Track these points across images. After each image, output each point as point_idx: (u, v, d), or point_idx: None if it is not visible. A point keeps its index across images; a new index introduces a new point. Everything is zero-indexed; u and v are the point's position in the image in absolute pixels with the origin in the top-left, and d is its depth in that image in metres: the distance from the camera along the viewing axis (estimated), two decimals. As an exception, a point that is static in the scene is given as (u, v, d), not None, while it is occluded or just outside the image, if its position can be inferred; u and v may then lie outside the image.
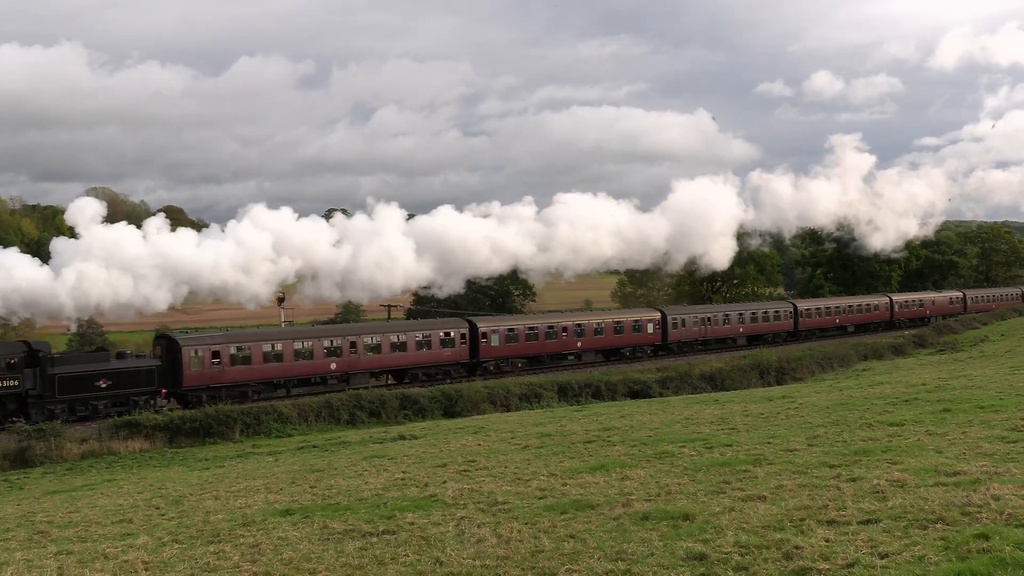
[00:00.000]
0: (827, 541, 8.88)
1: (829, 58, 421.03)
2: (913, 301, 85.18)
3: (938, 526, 9.08)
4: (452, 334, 49.34)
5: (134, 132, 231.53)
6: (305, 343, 44.02)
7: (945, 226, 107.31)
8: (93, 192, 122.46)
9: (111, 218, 46.29)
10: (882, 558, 8.18)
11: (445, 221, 53.51)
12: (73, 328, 57.15)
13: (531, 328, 53.20)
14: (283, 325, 54.59)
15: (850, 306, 77.89)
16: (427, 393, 39.75)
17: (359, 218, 52.05)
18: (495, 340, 50.76)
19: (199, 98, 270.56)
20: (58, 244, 41.62)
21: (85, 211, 42.32)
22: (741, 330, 66.12)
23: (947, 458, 12.73)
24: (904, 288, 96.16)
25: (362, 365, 45.88)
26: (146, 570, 10.24)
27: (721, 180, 66.27)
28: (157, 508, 15.71)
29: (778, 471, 12.87)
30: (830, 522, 9.60)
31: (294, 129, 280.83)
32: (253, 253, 44.65)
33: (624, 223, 59.62)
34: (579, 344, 55.03)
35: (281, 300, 53.86)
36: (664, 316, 60.87)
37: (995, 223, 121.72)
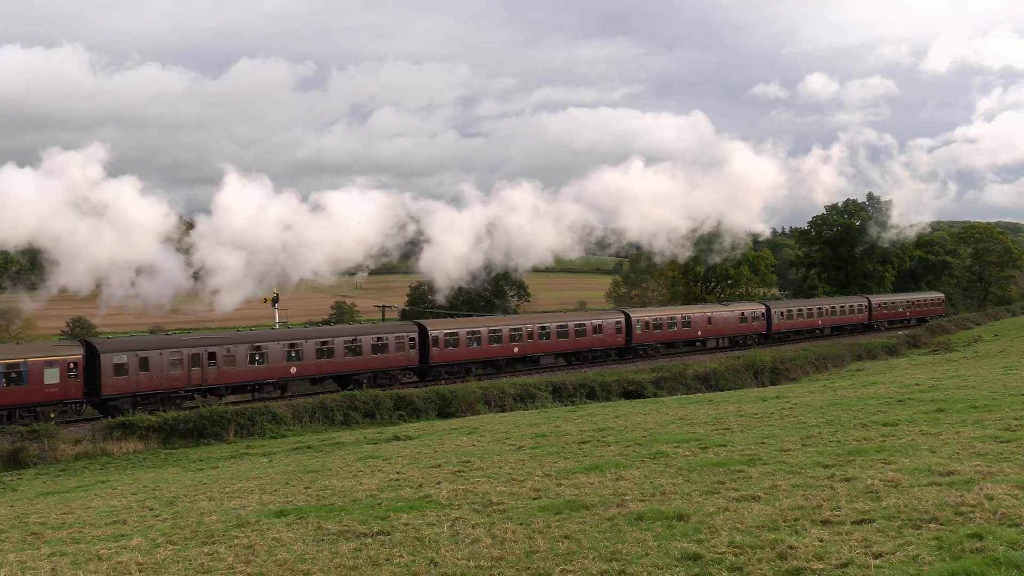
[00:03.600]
0: (821, 541, 8.89)
1: (823, 60, 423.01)
2: (673, 319, 59.69)
3: (932, 526, 9.10)
4: None
5: (132, 133, 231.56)
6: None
7: (938, 226, 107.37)
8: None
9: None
10: (876, 558, 8.20)
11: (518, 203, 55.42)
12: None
13: None
14: (276, 326, 54.44)
15: (529, 329, 51.96)
16: (421, 394, 39.80)
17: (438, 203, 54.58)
18: None
19: (198, 99, 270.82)
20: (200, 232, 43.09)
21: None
22: (294, 371, 43.08)
23: (941, 458, 12.76)
24: (898, 288, 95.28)
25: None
26: (140, 571, 10.22)
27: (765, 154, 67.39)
28: (151, 509, 15.68)
29: (772, 471, 12.89)
30: (824, 522, 9.62)
31: (291, 130, 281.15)
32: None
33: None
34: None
35: (275, 300, 53.63)
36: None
37: (988, 223, 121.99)
